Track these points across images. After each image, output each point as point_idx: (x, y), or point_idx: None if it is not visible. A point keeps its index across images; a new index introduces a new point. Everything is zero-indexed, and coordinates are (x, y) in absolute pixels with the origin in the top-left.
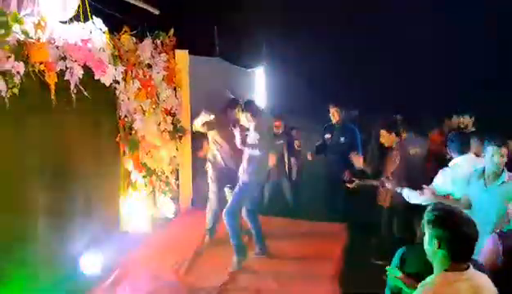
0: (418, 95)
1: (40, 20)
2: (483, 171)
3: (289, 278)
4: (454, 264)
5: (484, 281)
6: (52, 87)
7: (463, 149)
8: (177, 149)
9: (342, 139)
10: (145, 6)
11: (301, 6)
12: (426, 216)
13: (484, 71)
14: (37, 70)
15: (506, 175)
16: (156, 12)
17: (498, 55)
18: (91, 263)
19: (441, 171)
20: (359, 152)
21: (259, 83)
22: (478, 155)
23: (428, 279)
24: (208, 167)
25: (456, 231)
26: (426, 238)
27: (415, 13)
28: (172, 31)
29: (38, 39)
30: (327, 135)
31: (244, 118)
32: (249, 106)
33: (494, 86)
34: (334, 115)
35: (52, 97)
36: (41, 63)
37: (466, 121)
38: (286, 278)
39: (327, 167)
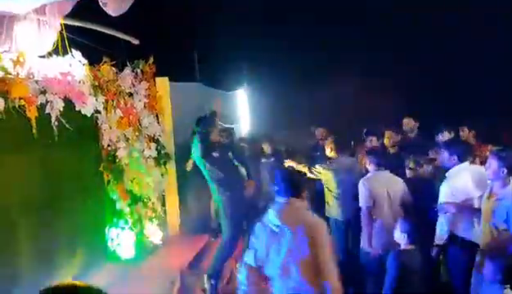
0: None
1: (18, 55)
2: None
3: None
4: None
5: None
6: (33, 122)
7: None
8: (162, 176)
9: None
10: (124, 37)
11: (276, 29)
12: None
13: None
14: (17, 105)
15: (501, 191)
16: (136, 42)
17: None
18: None
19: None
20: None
21: (241, 105)
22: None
23: None
24: None
25: None
26: None
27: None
28: (151, 59)
29: (18, 75)
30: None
31: None
32: None
33: None
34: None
35: (34, 131)
36: (21, 98)
37: (411, 123)
38: None
39: None
